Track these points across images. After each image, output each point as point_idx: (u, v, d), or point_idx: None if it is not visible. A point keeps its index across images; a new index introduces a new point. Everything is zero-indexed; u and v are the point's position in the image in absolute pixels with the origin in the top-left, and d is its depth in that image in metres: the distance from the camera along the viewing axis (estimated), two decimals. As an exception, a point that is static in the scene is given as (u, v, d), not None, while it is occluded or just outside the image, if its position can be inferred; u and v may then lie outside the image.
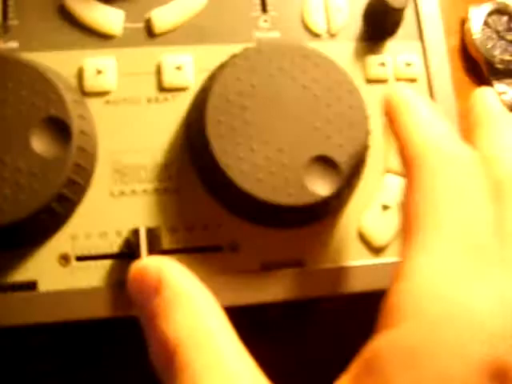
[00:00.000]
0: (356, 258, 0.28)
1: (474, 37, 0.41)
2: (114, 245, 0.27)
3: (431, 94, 0.31)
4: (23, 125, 0.25)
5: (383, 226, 0.28)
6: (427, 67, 0.31)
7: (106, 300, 0.26)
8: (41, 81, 0.26)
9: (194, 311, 0.20)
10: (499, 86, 0.40)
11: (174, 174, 0.28)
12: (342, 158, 0.26)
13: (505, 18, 0.42)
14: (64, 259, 0.26)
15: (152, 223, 0.27)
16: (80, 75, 0.28)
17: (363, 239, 0.28)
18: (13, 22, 0.29)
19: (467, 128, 0.26)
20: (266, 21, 0.30)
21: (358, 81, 0.30)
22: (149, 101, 0.29)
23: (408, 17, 0.32)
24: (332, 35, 0.31)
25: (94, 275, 0.26)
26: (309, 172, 0.26)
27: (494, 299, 0.18)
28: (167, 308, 0.20)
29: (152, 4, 0.30)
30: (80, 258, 0.27)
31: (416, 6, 0.32)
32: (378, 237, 0.28)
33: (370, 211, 0.28)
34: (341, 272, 0.28)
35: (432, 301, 0.18)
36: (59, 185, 0.25)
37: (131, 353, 0.28)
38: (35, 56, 0.28)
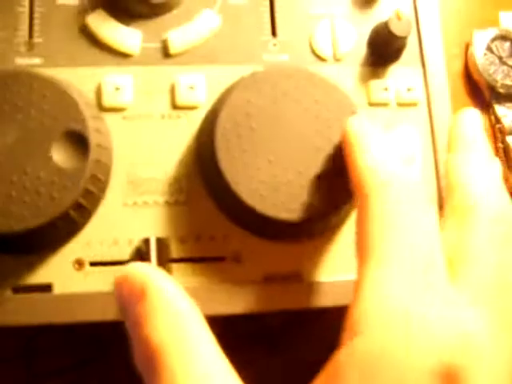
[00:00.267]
0: (354, 271, 0.29)
1: (477, 61, 0.42)
2: (125, 252, 0.28)
3: (431, 118, 0.32)
4: (45, 137, 0.26)
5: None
6: (428, 92, 0.32)
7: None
8: (62, 96, 0.27)
9: (175, 317, 0.21)
10: (500, 109, 0.42)
11: (184, 187, 0.29)
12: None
13: (507, 44, 0.43)
14: (78, 264, 0.28)
15: (162, 233, 0.29)
16: (99, 91, 0.30)
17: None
18: (38, 39, 0.31)
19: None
20: (275, 44, 0.32)
21: (362, 104, 0.31)
22: (162, 117, 0.30)
23: (411, 44, 0.33)
24: (338, 60, 0.32)
25: (106, 280, 0.28)
26: (311, 189, 0.27)
27: (441, 308, 0.20)
28: (150, 313, 0.21)
29: (168, 26, 0.31)
30: (93, 264, 0.28)
31: (419, 33, 0.33)
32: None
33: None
34: (339, 284, 0.29)
35: (386, 312, 0.20)
36: (76, 194, 0.26)
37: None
38: (58, 72, 0.29)
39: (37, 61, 0.30)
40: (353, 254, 0.29)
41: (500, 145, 0.41)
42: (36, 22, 0.31)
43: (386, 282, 0.21)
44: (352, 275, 0.29)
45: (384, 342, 0.19)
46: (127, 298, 0.22)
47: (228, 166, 0.27)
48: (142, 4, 0.31)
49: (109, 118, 0.30)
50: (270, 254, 0.29)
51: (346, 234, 0.30)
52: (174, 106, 0.30)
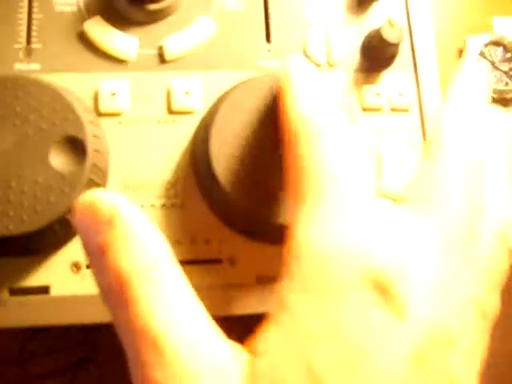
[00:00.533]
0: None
1: (470, 67, 0.43)
2: (121, 255, 0.29)
3: (422, 123, 0.32)
4: (43, 142, 0.27)
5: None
6: (420, 98, 0.33)
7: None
8: (60, 102, 0.27)
9: (148, 246, 0.20)
10: (493, 114, 0.42)
11: (179, 191, 0.30)
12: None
13: (500, 49, 0.44)
14: (75, 267, 0.28)
15: (157, 236, 0.29)
16: (96, 97, 0.30)
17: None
18: (36, 45, 0.31)
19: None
20: (269, 50, 0.33)
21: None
22: (158, 122, 0.31)
23: (404, 50, 0.34)
24: (331, 65, 0.33)
25: (102, 282, 0.28)
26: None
27: (375, 226, 0.20)
28: (120, 241, 0.20)
29: (164, 32, 0.32)
30: (90, 266, 0.28)
31: (411, 39, 0.34)
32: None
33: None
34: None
35: (328, 240, 0.20)
36: (74, 198, 0.26)
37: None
38: (56, 78, 0.30)
39: (35, 66, 0.31)
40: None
41: (493, 149, 0.42)
42: (34, 28, 0.31)
43: (326, 216, 0.21)
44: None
45: (322, 252, 0.20)
46: (94, 224, 0.20)
47: (222, 170, 0.27)
48: (139, 11, 0.32)
49: (105, 123, 0.30)
50: (264, 256, 0.29)
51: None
52: (170, 111, 0.31)
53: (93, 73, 0.31)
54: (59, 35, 0.31)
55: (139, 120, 0.31)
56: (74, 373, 0.35)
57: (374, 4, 0.34)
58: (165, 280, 0.20)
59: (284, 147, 0.24)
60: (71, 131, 0.27)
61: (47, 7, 0.32)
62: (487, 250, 0.21)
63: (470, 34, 0.44)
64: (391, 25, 0.32)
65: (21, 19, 0.31)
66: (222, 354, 0.19)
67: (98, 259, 0.20)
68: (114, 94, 0.30)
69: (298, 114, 0.23)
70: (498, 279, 0.21)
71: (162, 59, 0.32)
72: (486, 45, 0.44)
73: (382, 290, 0.19)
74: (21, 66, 0.31)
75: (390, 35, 0.32)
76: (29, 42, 0.31)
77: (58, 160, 0.27)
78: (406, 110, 0.32)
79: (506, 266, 0.22)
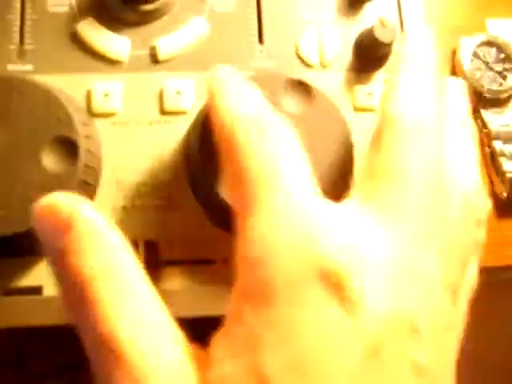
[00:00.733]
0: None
1: (464, 67, 0.43)
2: (114, 255, 0.29)
3: (415, 123, 0.33)
4: (35, 142, 0.27)
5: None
6: (412, 98, 0.33)
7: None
8: (53, 102, 0.27)
9: (107, 246, 0.20)
10: (487, 114, 0.42)
11: (172, 192, 0.30)
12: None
13: (493, 50, 0.44)
14: (68, 267, 0.28)
15: (151, 236, 0.29)
16: (89, 97, 0.31)
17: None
18: (29, 46, 0.31)
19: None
20: (261, 51, 0.33)
21: (347, 109, 0.32)
22: (151, 123, 0.31)
23: (396, 49, 0.34)
24: (324, 66, 0.33)
25: (95, 283, 0.28)
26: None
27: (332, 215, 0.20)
28: (80, 243, 0.19)
29: (157, 33, 0.32)
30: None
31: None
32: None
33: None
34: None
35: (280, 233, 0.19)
36: (66, 198, 0.27)
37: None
38: (48, 79, 0.30)
39: (28, 67, 0.31)
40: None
41: (487, 149, 0.42)
42: (27, 29, 0.31)
43: (263, 218, 0.20)
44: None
45: (265, 264, 0.19)
46: (52, 228, 0.20)
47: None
48: (131, 12, 0.32)
49: (98, 123, 0.30)
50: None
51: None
52: (163, 112, 0.31)
53: (86, 73, 0.31)
54: (52, 36, 0.31)
55: (132, 120, 0.31)
56: (73, 373, 0.35)
57: (367, 4, 0.34)
58: (125, 282, 0.19)
59: (221, 151, 0.23)
60: (63, 132, 0.27)
61: (40, 8, 0.32)
62: (449, 224, 0.20)
63: (464, 34, 0.44)
64: (383, 25, 0.32)
65: (14, 20, 0.31)
66: (181, 359, 0.19)
67: (58, 261, 0.20)
68: (106, 95, 0.30)
69: (232, 116, 0.22)
70: (463, 253, 0.20)
71: (154, 60, 0.32)
72: (480, 45, 0.44)
73: (333, 282, 0.18)
74: (14, 67, 0.31)
75: (382, 35, 0.32)
76: (22, 42, 0.31)
77: (51, 161, 0.27)
78: (398, 110, 0.32)
79: (471, 239, 0.21)
